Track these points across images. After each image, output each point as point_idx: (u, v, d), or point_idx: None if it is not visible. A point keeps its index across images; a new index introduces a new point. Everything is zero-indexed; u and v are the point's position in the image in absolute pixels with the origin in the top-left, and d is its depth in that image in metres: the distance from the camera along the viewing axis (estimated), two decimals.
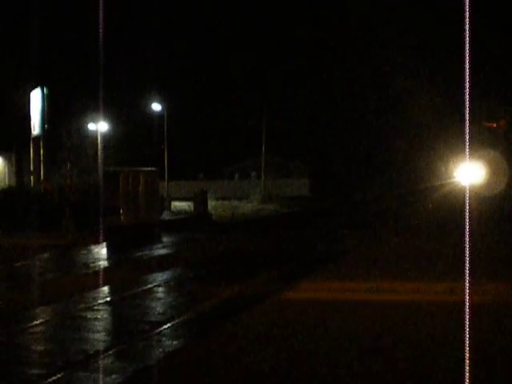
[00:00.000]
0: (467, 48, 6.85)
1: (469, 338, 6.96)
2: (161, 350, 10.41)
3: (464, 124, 7.70)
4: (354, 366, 8.80)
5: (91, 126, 44.70)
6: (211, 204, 46.91)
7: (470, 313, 7.86)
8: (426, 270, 17.35)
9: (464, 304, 8.32)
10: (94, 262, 21.30)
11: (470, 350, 6.88)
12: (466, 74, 7.13)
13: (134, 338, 11.20)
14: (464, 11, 7.02)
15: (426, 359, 9.02)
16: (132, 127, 52.61)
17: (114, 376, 9.05)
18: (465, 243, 7.63)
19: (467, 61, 6.97)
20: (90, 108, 43.98)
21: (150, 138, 52.30)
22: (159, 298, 15.24)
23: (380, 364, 8.82)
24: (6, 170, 47.36)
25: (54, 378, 8.98)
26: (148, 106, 49.35)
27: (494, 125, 36.66)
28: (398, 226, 32.03)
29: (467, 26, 6.95)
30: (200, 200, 40.55)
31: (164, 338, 11.20)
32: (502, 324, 11.10)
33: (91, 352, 10.31)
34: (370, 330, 10.73)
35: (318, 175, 72.20)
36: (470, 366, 6.82)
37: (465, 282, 8.71)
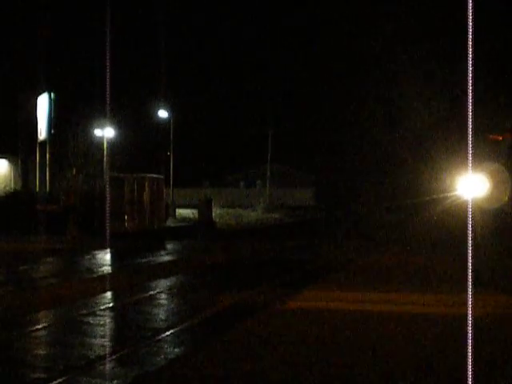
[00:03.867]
0: (470, 59, 6.91)
1: (471, 348, 7.01)
2: (162, 356, 10.44)
3: (467, 136, 7.75)
4: (350, 376, 8.83)
5: (97, 132, 44.82)
6: (216, 212, 46.98)
7: (472, 324, 7.89)
8: (428, 282, 17.38)
9: (466, 316, 8.35)
10: (97, 268, 21.35)
11: (471, 360, 6.93)
12: (469, 84, 7.19)
13: (135, 344, 11.24)
14: (467, 18, 7.06)
15: (424, 370, 9.04)
16: (138, 134, 52.77)
17: (115, 381, 9.09)
18: (468, 256, 7.67)
19: (470, 71, 7.03)
20: (97, 114, 44.13)
21: (156, 144, 52.45)
22: (162, 305, 15.27)
23: (379, 376, 8.85)
24: (12, 174, 47.52)
25: (55, 381, 9.02)
26: (154, 112, 49.53)
27: (500, 138, 36.61)
28: (401, 238, 32.04)
29: (470, 34, 7.00)
30: (205, 207, 40.60)
31: (166, 345, 11.23)
32: (504, 335, 11.15)
33: (93, 357, 10.35)
34: (370, 341, 10.74)
35: (323, 185, 72.25)
36: (472, 376, 6.88)
37: (468, 294, 8.74)
